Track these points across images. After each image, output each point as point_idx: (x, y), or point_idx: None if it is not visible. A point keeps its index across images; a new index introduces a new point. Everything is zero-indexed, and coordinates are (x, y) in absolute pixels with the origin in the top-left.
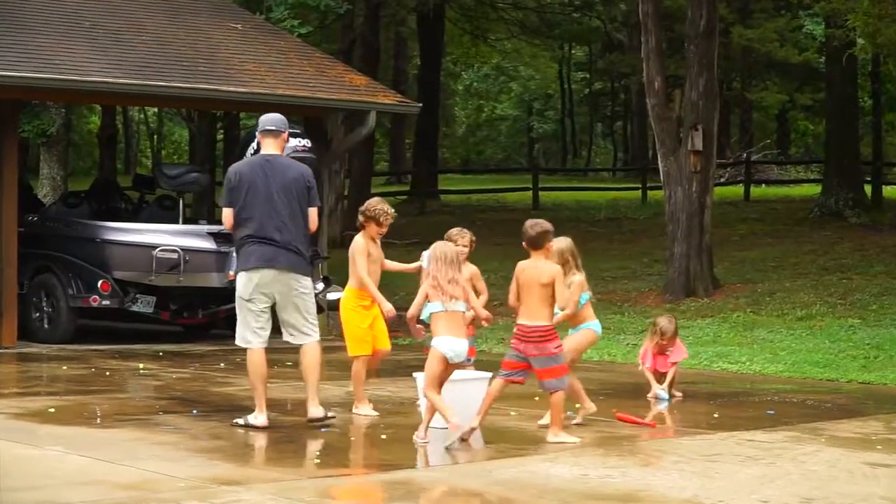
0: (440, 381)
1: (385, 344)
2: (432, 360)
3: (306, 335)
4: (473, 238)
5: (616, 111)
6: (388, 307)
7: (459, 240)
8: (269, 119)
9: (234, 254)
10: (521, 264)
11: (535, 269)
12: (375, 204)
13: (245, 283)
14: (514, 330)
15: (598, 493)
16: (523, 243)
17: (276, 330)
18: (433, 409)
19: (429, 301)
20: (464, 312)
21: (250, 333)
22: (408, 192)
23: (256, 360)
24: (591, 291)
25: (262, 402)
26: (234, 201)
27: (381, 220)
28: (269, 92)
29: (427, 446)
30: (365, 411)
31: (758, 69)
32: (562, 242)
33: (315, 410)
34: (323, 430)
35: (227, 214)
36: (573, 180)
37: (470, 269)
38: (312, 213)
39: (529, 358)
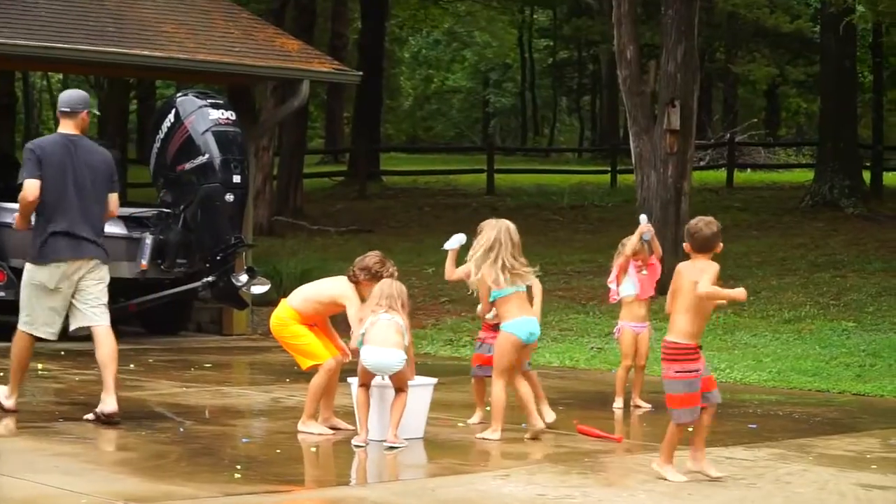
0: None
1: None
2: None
3: (97, 317)
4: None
5: (583, 84)
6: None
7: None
8: (65, 98)
9: (147, 240)
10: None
11: (696, 268)
12: (384, 264)
13: (42, 272)
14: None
15: None
16: (688, 244)
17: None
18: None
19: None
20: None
21: (40, 323)
22: (345, 172)
23: (25, 345)
24: (552, 286)
25: (16, 384)
26: (37, 175)
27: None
28: (188, 57)
29: (364, 460)
30: (315, 429)
31: (744, 38)
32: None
33: (110, 404)
34: (244, 440)
35: (33, 187)
36: (534, 161)
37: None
38: (113, 198)
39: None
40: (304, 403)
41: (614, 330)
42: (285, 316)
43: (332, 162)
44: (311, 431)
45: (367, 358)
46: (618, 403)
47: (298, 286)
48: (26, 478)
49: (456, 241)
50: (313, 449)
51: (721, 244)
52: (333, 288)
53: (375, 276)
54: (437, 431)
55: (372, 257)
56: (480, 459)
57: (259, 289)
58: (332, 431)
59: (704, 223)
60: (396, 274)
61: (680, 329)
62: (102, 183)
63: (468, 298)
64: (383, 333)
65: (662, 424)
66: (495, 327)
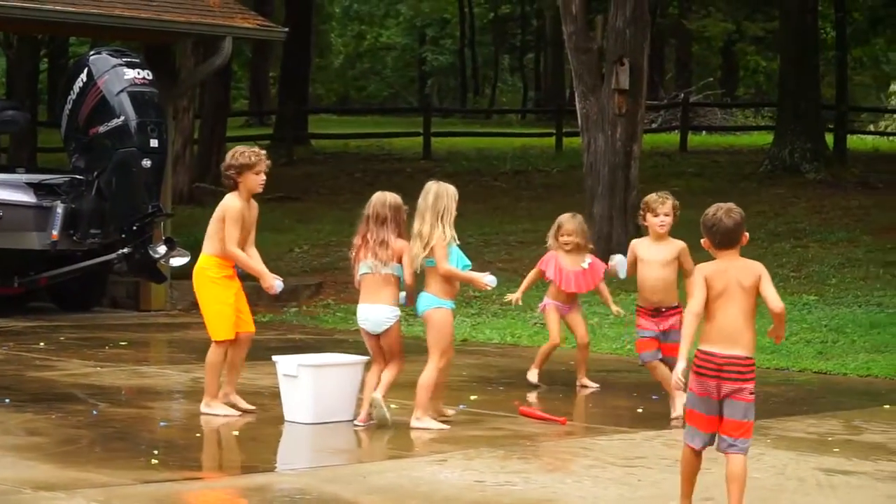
0: (375, 357)
1: (250, 326)
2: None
3: None
4: (677, 204)
5: (527, 41)
6: (275, 282)
7: (659, 208)
8: None
9: (59, 209)
10: (712, 265)
11: (737, 267)
12: (244, 150)
13: None
14: (696, 360)
15: (494, 502)
16: (707, 239)
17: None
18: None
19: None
20: (392, 275)
21: None
22: (271, 136)
23: None
24: (493, 257)
25: None
26: None
27: (259, 167)
28: (103, 13)
29: (292, 444)
30: (220, 410)
31: None
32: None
33: None
34: (162, 424)
35: None
36: (474, 124)
37: (676, 245)
38: None
39: (724, 402)
40: (205, 382)
41: (539, 305)
42: (201, 265)
43: (257, 125)
44: (216, 413)
45: (358, 315)
46: (531, 376)
47: None
48: None
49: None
50: (235, 433)
51: (747, 235)
52: (217, 210)
53: (250, 167)
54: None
55: (236, 153)
56: (414, 443)
57: (178, 261)
58: (237, 413)
59: (725, 212)
60: (264, 154)
61: (749, 341)
62: None
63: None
64: (371, 288)
65: (608, 405)
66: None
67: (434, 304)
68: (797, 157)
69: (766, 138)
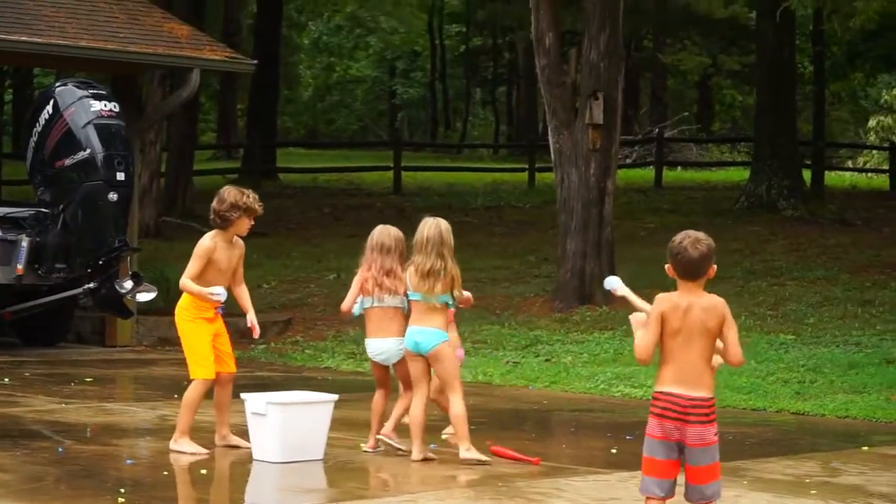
0: (381, 385)
1: (232, 366)
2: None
3: None
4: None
5: (499, 74)
6: (211, 295)
7: None
8: None
9: (23, 243)
10: (672, 298)
11: (700, 306)
12: (249, 194)
13: None
14: (656, 403)
15: None
16: (671, 266)
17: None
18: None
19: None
20: (400, 308)
21: None
22: (239, 169)
23: None
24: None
25: None
26: None
27: (256, 207)
28: (69, 44)
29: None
30: (188, 448)
31: (674, 25)
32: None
33: None
34: (129, 462)
35: None
36: (444, 158)
37: None
38: None
39: (686, 448)
40: (178, 418)
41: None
42: (180, 305)
43: (225, 158)
44: (183, 450)
45: (371, 349)
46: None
47: None
48: None
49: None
50: (203, 471)
51: (714, 267)
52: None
53: (250, 213)
54: (339, 453)
55: (243, 195)
56: (384, 483)
57: (145, 296)
58: (205, 451)
59: (692, 241)
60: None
61: (710, 381)
62: None
63: None
64: (379, 322)
65: (581, 445)
66: None
67: (444, 339)
68: (774, 194)
69: (743, 174)
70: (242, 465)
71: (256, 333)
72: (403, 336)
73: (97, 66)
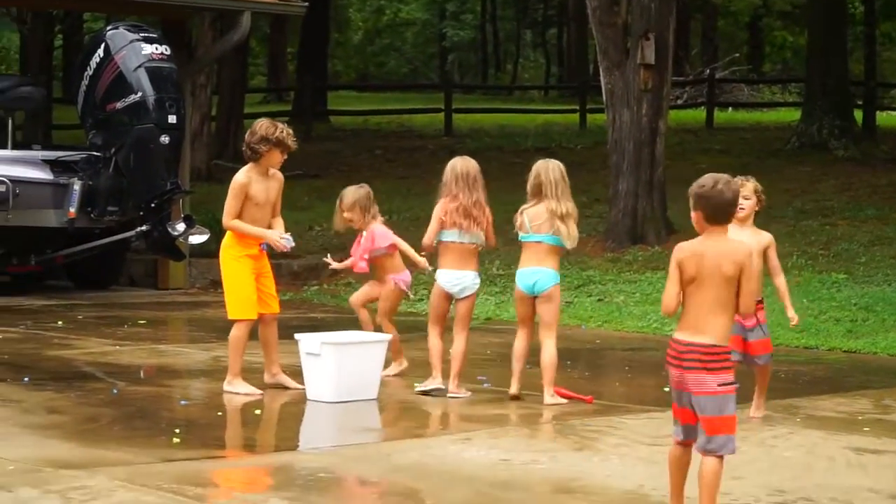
0: (438, 322)
1: (275, 307)
2: (433, 295)
3: None
4: (759, 188)
5: (549, 15)
6: (279, 240)
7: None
8: None
9: (75, 186)
10: (689, 246)
11: (717, 252)
12: (281, 127)
13: None
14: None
15: (521, 482)
16: (698, 212)
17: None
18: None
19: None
20: (479, 245)
21: None
22: (289, 112)
23: None
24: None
25: None
26: None
27: (289, 143)
28: None
29: (315, 423)
30: (242, 388)
31: None
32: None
33: None
34: (183, 403)
35: None
36: (495, 100)
37: (763, 237)
38: None
39: (692, 396)
40: (229, 362)
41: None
42: (224, 243)
43: (275, 101)
44: (237, 391)
45: (443, 278)
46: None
47: None
48: None
49: None
50: (258, 411)
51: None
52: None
53: (282, 146)
54: (392, 392)
55: (274, 128)
56: (440, 422)
57: (197, 238)
58: (259, 392)
59: (725, 183)
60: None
61: (719, 329)
62: None
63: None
64: (461, 255)
65: (635, 384)
66: None
67: (557, 281)
68: (825, 134)
69: (794, 115)
70: (297, 406)
71: (285, 246)
72: (478, 271)
73: (148, 9)
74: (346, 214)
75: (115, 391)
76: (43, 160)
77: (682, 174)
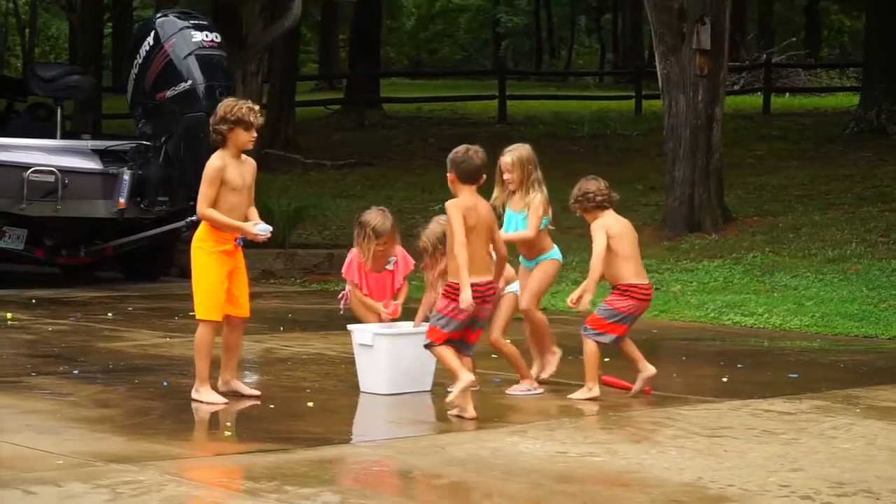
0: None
1: (245, 310)
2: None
3: None
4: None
5: (604, 1)
6: (255, 230)
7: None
8: None
9: (125, 176)
10: (469, 201)
11: (483, 205)
12: (239, 104)
13: None
14: (450, 289)
15: (578, 474)
16: (455, 173)
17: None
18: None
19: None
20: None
21: None
22: (342, 100)
23: None
24: (572, 223)
25: None
26: None
27: (250, 119)
28: None
29: (368, 416)
30: (207, 396)
31: None
32: (522, 150)
33: None
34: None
35: None
36: (550, 87)
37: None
38: None
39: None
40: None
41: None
42: (197, 235)
43: (327, 89)
44: (202, 400)
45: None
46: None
47: (291, 226)
48: None
49: None
50: (310, 404)
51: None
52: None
53: (243, 124)
54: (448, 384)
55: (231, 106)
56: (494, 414)
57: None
58: (225, 401)
59: (474, 151)
60: (256, 107)
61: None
62: None
63: None
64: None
65: (692, 374)
66: None
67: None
68: (884, 119)
69: (852, 100)
70: (349, 399)
71: (261, 236)
72: None
73: None
74: (382, 245)
75: (165, 384)
76: (92, 150)
77: (739, 161)
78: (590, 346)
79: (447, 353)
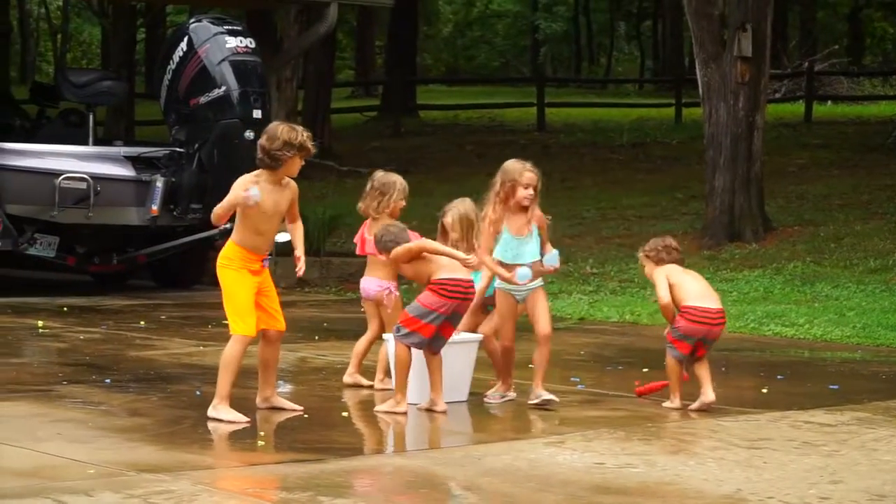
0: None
1: (280, 323)
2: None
3: None
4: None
5: (644, 7)
6: (278, 237)
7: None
8: None
9: (158, 183)
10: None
11: None
12: (302, 131)
13: None
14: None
15: (615, 485)
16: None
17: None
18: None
19: None
20: None
21: None
22: (378, 107)
23: None
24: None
25: None
26: None
27: (310, 146)
28: None
29: (404, 426)
30: (226, 415)
31: None
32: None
33: None
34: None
35: None
36: (589, 94)
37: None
38: None
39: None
40: (218, 382)
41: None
42: (223, 253)
43: (363, 95)
44: (221, 418)
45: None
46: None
47: (326, 234)
48: (26, 446)
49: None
50: (344, 413)
51: None
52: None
53: (304, 151)
54: (482, 392)
55: (295, 132)
56: (531, 425)
57: (282, 237)
58: (246, 419)
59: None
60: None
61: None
62: None
63: None
64: None
65: (731, 385)
66: None
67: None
68: None
69: (895, 108)
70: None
71: (301, 271)
72: None
73: (232, 1)
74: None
75: (198, 393)
76: (125, 156)
77: (780, 169)
78: (668, 360)
79: (406, 367)
